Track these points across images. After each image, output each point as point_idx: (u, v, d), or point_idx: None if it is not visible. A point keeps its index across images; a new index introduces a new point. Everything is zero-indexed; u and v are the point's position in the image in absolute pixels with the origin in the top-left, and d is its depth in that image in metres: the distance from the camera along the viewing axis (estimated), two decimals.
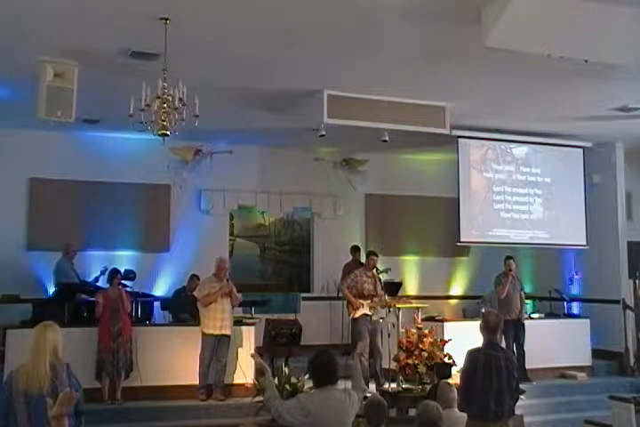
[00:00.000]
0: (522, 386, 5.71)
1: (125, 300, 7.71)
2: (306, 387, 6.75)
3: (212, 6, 5.38)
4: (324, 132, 8.31)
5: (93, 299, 8.16)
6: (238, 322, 8.30)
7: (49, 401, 2.86)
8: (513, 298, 9.17)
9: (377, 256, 8.58)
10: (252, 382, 7.63)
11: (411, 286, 11.52)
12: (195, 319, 8.22)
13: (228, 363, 7.88)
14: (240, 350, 8.03)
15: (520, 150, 10.08)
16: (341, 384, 4.13)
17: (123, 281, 8.30)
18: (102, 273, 8.83)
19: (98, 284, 9.02)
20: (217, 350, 7.73)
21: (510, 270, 9.25)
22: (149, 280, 9.97)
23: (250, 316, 8.90)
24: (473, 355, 4.78)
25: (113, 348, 7.47)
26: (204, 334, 7.71)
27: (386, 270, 9.72)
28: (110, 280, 7.90)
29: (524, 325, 9.15)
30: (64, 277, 8.93)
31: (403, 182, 11.52)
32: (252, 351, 4.97)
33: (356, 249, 10.30)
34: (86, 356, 7.38)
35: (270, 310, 9.51)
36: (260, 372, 4.18)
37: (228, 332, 7.75)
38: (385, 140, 8.70)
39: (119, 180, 10.00)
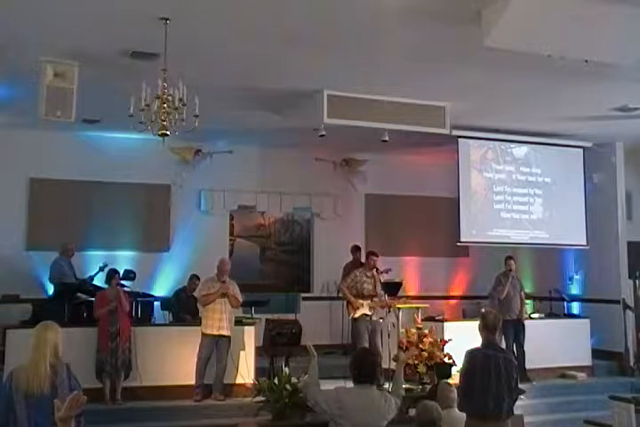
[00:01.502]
0: (522, 386, 5.73)
1: (123, 300, 7.68)
2: None
3: (211, 6, 5.38)
4: (324, 132, 8.31)
5: (94, 299, 8.17)
6: (238, 322, 8.30)
7: (56, 403, 2.85)
8: (513, 298, 9.16)
9: (377, 256, 8.57)
10: (252, 382, 7.63)
11: (411, 286, 11.52)
12: (195, 320, 8.22)
13: (229, 363, 7.88)
14: (240, 350, 8.03)
15: (520, 150, 10.09)
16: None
17: (122, 281, 8.30)
18: (101, 269, 8.82)
19: (95, 282, 8.99)
20: (217, 351, 7.73)
21: (510, 270, 9.25)
22: (149, 280, 9.97)
23: (250, 316, 8.90)
24: (472, 355, 4.78)
25: (111, 348, 7.45)
26: (202, 334, 7.71)
27: (386, 271, 9.71)
28: (108, 280, 7.89)
29: (524, 325, 9.14)
30: (60, 276, 8.91)
31: (403, 182, 11.52)
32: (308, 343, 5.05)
33: (356, 249, 10.30)
34: (86, 356, 7.37)
35: (270, 310, 9.51)
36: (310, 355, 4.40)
37: (225, 332, 7.73)
38: (385, 140, 8.70)
39: (119, 180, 10.01)
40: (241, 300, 8.02)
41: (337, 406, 3.89)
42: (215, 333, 7.69)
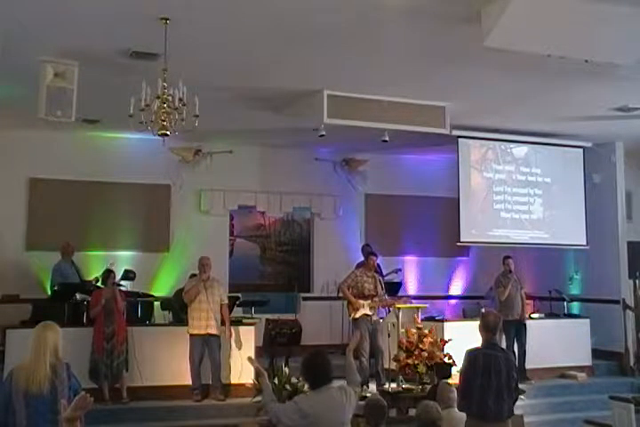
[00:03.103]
0: (521, 386, 5.71)
1: (119, 300, 7.66)
2: (306, 387, 6.74)
3: (211, 6, 5.38)
4: (323, 133, 8.31)
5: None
6: (238, 322, 8.30)
7: (63, 403, 2.86)
8: (514, 298, 9.12)
9: (376, 256, 8.58)
10: (251, 382, 7.63)
11: (411, 286, 11.53)
12: None
13: (229, 363, 7.88)
14: (239, 350, 8.04)
15: (520, 150, 10.08)
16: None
17: (122, 281, 8.28)
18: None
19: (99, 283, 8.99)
20: (209, 351, 7.73)
21: (510, 271, 9.22)
22: (149, 280, 9.97)
23: (250, 316, 8.90)
24: (472, 355, 4.78)
25: (107, 349, 7.44)
26: (190, 335, 7.71)
27: (395, 271, 9.69)
28: (104, 280, 7.88)
29: (525, 325, 9.10)
30: (61, 280, 8.88)
31: (403, 182, 11.53)
32: (250, 356, 4.94)
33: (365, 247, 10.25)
34: (83, 356, 7.37)
35: (270, 310, 9.52)
36: (257, 375, 4.17)
37: (214, 331, 7.72)
38: (385, 140, 8.71)
39: (119, 180, 10.01)
40: (225, 300, 7.96)
41: (300, 416, 3.75)
42: (203, 332, 7.68)
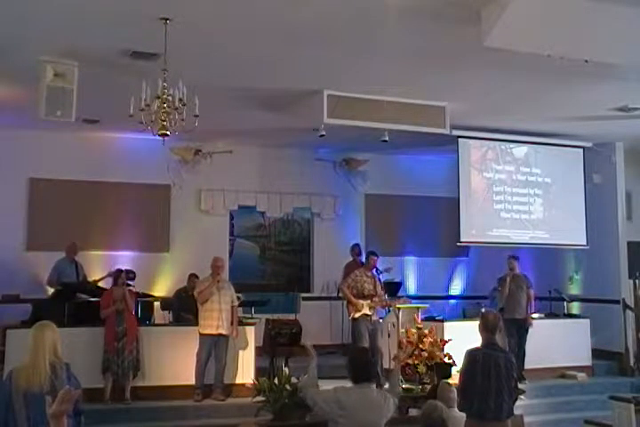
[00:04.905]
0: (521, 386, 5.71)
1: (130, 299, 7.70)
2: None
3: (211, 6, 5.38)
4: (323, 133, 8.32)
5: (95, 299, 8.17)
6: (238, 322, 8.29)
7: (48, 399, 2.83)
8: (517, 297, 9.12)
9: (377, 256, 8.58)
10: (252, 382, 7.63)
11: (411, 286, 11.53)
12: (196, 319, 8.23)
13: (229, 363, 7.89)
14: (240, 350, 8.04)
15: (520, 150, 10.08)
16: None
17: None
18: (110, 275, 8.84)
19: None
20: (216, 351, 7.75)
21: (511, 269, 9.22)
22: (149, 280, 9.97)
23: (250, 316, 8.90)
24: (471, 355, 4.78)
25: (118, 348, 7.46)
26: (201, 335, 7.73)
27: (387, 269, 9.71)
28: (114, 280, 7.91)
29: (527, 329, 9.04)
30: (57, 279, 8.86)
31: (403, 182, 11.53)
32: (305, 342, 5.15)
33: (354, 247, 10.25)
34: (92, 355, 7.39)
35: (270, 310, 9.51)
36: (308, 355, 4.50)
37: (225, 331, 7.76)
38: (385, 140, 8.71)
39: (119, 180, 10.01)
40: (236, 302, 8.04)
41: (337, 407, 3.91)
42: (214, 332, 7.71)
